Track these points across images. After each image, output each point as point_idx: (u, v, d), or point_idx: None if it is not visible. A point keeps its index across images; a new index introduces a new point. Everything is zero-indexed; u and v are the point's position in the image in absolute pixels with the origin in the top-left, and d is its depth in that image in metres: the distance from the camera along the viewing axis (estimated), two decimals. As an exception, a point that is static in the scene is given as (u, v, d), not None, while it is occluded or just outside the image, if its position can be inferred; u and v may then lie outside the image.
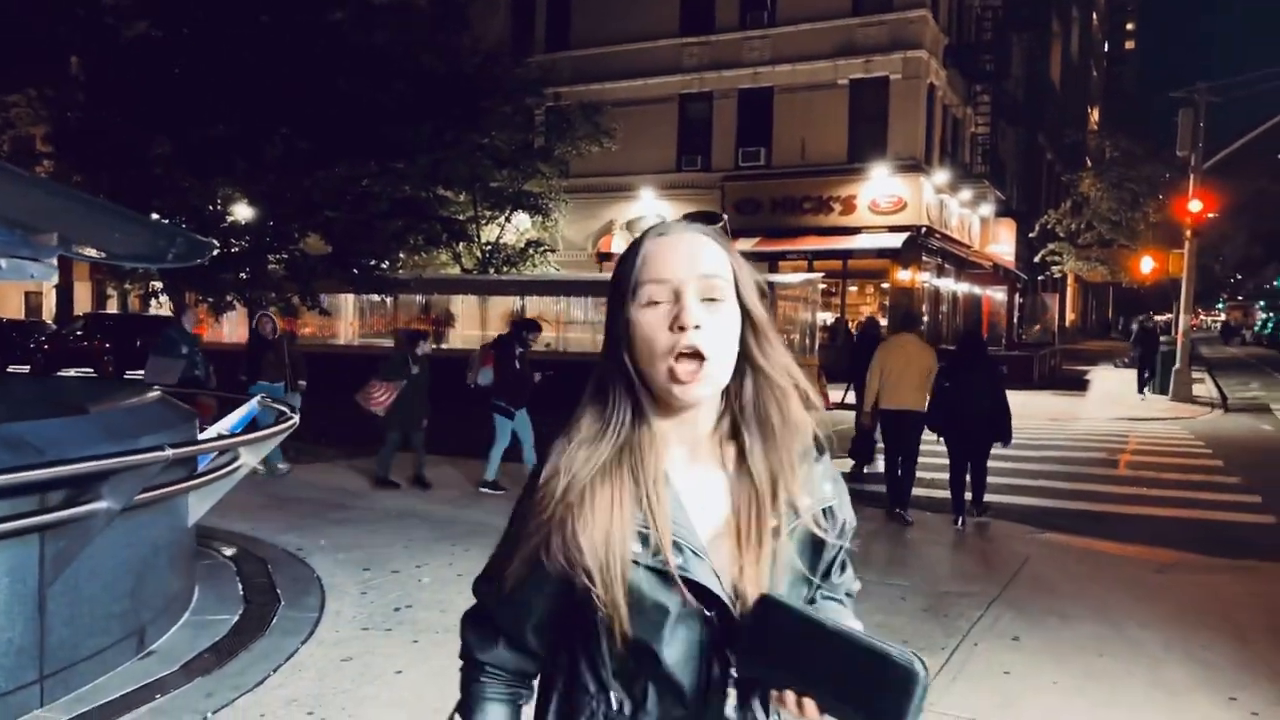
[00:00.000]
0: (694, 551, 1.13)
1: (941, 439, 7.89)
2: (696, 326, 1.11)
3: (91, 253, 4.13)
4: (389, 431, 8.75)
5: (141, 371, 20.14)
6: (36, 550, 3.68)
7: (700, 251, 1.16)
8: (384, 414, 8.61)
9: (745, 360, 1.19)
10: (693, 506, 1.16)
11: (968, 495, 7.88)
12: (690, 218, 1.23)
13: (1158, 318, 34.83)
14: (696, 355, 1.10)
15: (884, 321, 24.57)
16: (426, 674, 4.28)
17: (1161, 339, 22.23)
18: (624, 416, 1.17)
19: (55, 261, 3.94)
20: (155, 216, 10.83)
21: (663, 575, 1.11)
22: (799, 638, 1.03)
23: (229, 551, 6.17)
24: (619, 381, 1.18)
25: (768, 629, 1.06)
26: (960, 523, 7.73)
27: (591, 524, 1.12)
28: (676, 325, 1.11)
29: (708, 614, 1.12)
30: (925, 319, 24.78)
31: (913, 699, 0.93)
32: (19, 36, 12.64)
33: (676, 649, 1.13)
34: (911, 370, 7.85)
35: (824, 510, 1.23)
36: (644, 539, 1.12)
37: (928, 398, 7.81)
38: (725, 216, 1.25)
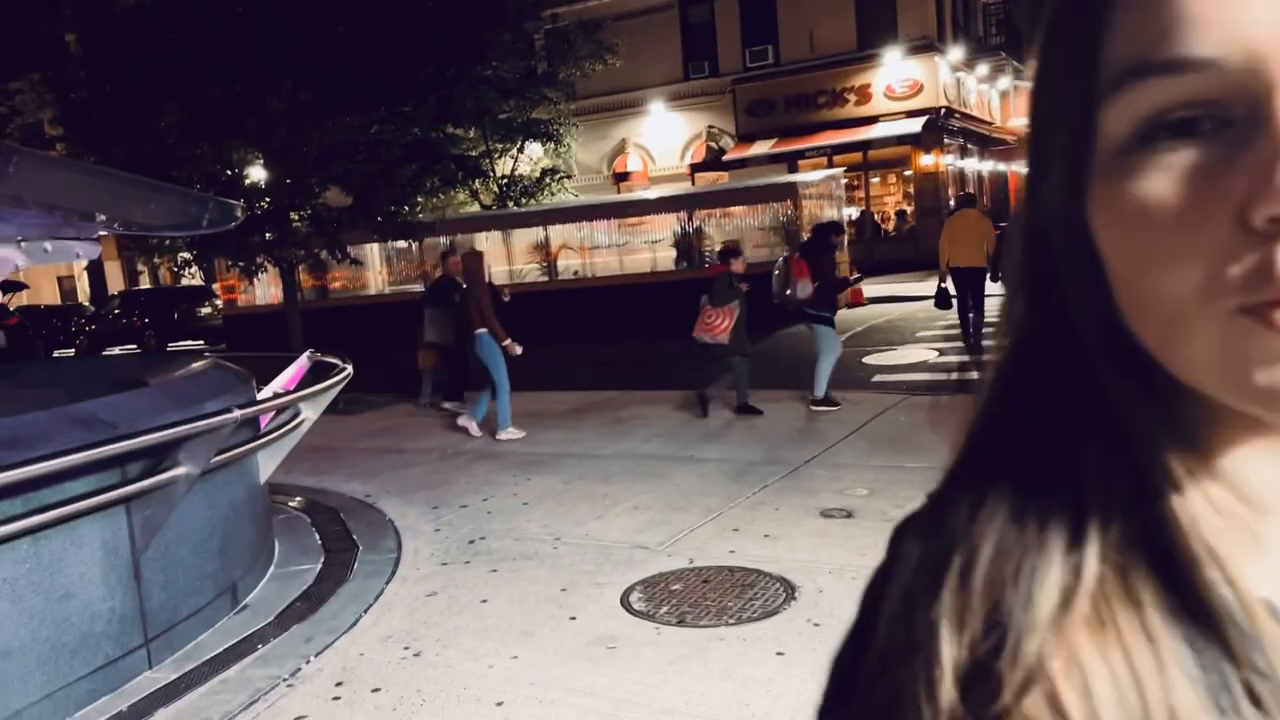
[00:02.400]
0: None
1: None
2: None
3: (132, 227, 4.17)
4: (734, 357, 8.02)
5: (185, 342, 20.52)
6: (125, 521, 3.80)
7: None
8: (729, 340, 7.95)
9: None
10: None
11: None
12: None
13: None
14: None
15: (910, 209, 24.27)
16: (510, 600, 4.41)
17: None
18: (1109, 467, 0.41)
19: (99, 239, 3.99)
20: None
21: None
22: None
23: (300, 504, 6.34)
24: (1077, 374, 0.42)
25: None
26: None
27: None
28: (1268, 211, 0.33)
29: None
30: (952, 202, 24.33)
31: None
32: (15, 22, 12.56)
33: None
34: (971, 236, 10.15)
35: None
36: None
37: (985, 254, 10.11)
38: None
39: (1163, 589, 0.39)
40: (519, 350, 8.21)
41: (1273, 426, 0.39)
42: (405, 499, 6.28)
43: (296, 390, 5.21)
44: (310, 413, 5.10)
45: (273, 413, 5.03)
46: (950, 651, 0.40)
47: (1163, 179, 0.36)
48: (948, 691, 0.39)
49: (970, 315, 10.35)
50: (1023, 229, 0.44)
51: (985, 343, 10.62)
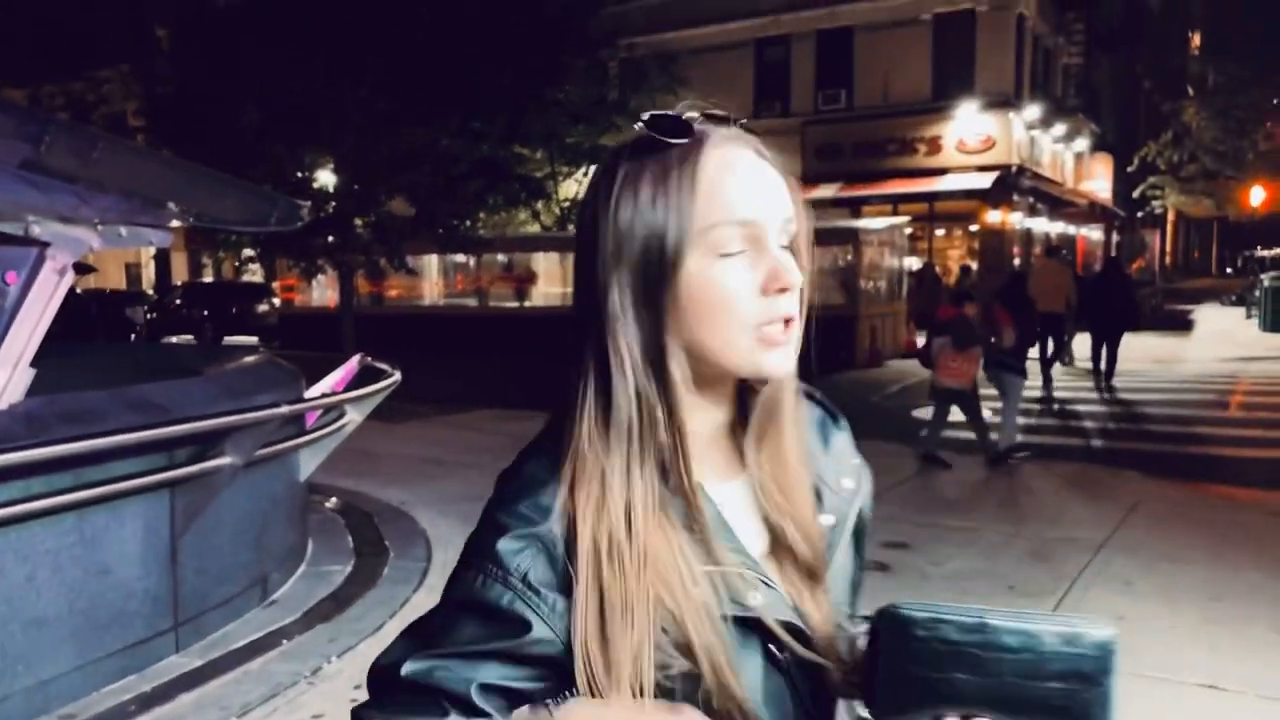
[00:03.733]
0: (766, 583, 0.87)
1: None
2: (796, 287, 0.85)
3: (203, 219, 4.28)
4: (966, 400, 7.73)
5: (240, 337, 20.95)
6: (167, 504, 3.87)
7: (774, 178, 0.86)
8: (969, 385, 7.73)
9: None
10: (734, 522, 0.89)
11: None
12: (712, 118, 0.87)
13: (1264, 253, 33.11)
14: (786, 319, 0.84)
15: (973, 264, 24.02)
16: (535, 621, 4.38)
17: (1268, 274, 21.22)
18: (653, 409, 0.84)
19: (171, 228, 4.10)
20: (248, 184, 11.10)
21: (739, 623, 0.85)
22: (957, 648, 0.77)
23: (337, 506, 6.40)
24: (646, 358, 0.83)
25: (908, 652, 0.79)
26: (1098, 388, 11.91)
27: (663, 575, 0.82)
28: (774, 287, 0.82)
29: (780, 656, 0.88)
30: (1016, 261, 24.06)
31: (1113, 673, 0.75)
32: (109, 13, 13.08)
33: (775, 711, 0.87)
34: (1052, 284, 11.94)
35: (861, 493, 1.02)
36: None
37: (1064, 302, 12.05)
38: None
39: (670, 477, 0.84)
40: None
41: (717, 402, 0.89)
42: (439, 510, 6.31)
43: (344, 392, 5.28)
44: (355, 415, 5.16)
45: (319, 412, 5.10)
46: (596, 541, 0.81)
47: (730, 270, 0.82)
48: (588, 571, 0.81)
49: (1049, 355, 11.82)
50: (632, 301, 0.84)
51: (1053, 384, 11.74)
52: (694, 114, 0.85)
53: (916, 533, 5.76)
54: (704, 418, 0.89)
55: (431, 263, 19.60)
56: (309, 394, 5.17)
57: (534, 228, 21.37)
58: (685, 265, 0.82)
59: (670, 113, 0.85)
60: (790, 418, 0.92)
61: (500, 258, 19.07)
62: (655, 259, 0.82)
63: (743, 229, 0.82)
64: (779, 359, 0.84)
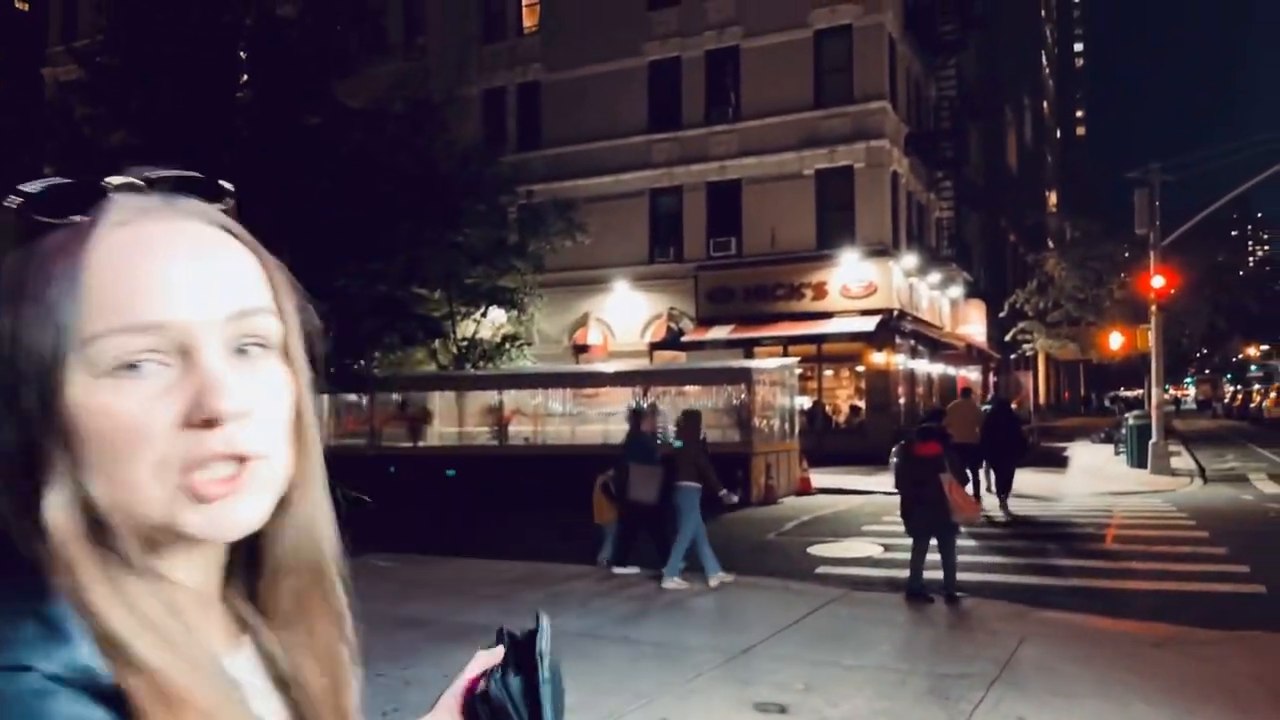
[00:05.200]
0: None
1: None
2: (242, 414, 0.61)
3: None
4: (946, 535, 7.82)
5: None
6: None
7: (221, 260, 0.64)
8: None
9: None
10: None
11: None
12: (169, 181, 0.66)
13: (1127, 393, 35.30)
14: (238, 457, 0.61)
15: (861, 404, 24.83)
16: (418, 782, 4.11)
17: (1133, 413, 22.60)
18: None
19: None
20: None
21: None
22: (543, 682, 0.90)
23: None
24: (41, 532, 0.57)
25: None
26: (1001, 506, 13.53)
27: None
28: (199, 416, 0.59)
29: None
30: (902, 400, 25.03)
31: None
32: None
33: None
34: (966, 419, 13.66)
35: None
36: None
37: (977, 435, 13.77)
38: (228, 186, 0.69)
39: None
40: (735, 498, 9.64)
41: (199, 541, 0.62)
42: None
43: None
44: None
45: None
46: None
47: (131, 395, 0.58)
48: None
49: (967, 483, 12.54)
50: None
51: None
52: (112, 180, 0.63)
53: (813, 673, 5.70)
54: (187, 558, 0.64)
55: (322, 402, 19.10)
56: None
57: (430, 366, 21.24)
58: (66, 392, 0.58)
59: (63, 180, 0.63)
60: (303, 584, 0.73)
61: (395, 397, 18.80)
62: (30, 384, 0.58)
63: (154, 335, 0.59)
64: (213, 516, 0.60)
